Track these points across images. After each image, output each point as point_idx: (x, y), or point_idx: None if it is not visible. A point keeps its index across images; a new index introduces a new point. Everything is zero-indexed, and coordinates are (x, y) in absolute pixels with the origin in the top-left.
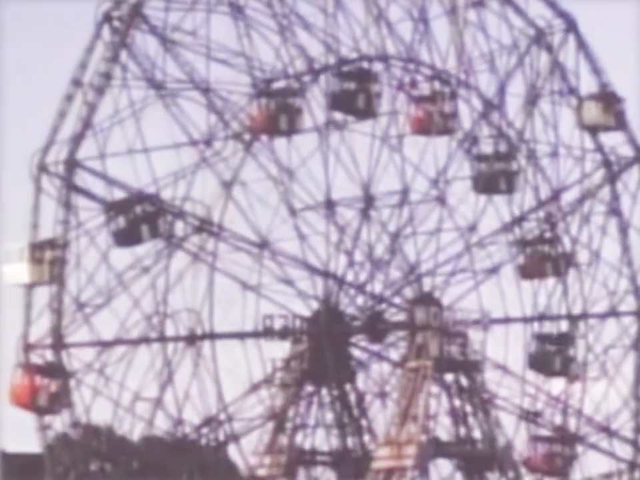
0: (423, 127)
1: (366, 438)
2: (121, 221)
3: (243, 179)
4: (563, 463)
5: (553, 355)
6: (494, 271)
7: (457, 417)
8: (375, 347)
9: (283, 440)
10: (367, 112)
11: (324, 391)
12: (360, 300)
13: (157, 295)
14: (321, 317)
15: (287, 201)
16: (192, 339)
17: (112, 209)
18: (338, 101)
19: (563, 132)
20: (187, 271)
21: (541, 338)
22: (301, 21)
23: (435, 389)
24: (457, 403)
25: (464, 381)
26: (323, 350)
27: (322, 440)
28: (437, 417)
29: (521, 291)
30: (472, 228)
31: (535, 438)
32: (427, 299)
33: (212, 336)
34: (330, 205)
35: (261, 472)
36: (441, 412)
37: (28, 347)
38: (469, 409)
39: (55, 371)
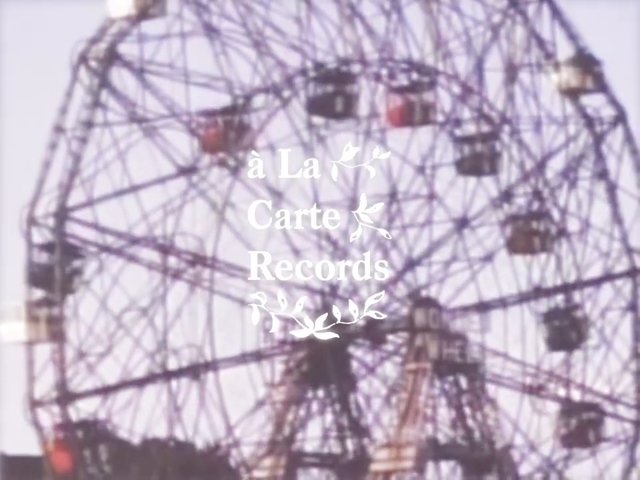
0: (403, 118)
1: (365, 440)
2: None
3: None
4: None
5: (566, 329)
6: (489, 258)
7: (456, 418)
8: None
9: (282, 442)
10: (346, 114)
11: (323, 394)
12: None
13: (157, 334)
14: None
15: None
16: (196, 373)
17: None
18: (316, 105)
19: (544, 100)
20: (185, 304)
21: (548, 316)
22: (275, 32)
23: (434, 390)
24: (456, 404)
25: (463, 383)
26: (323, 354)
27: (321, 442)
28: (435, 419)
29: (515, 269)
30: (463, 221)
31: None
32: (426, 301)
33: (215, 367)
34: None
35: (261, 474)
36: (439, 414)
37: (34, 404)
38: (467, 410)
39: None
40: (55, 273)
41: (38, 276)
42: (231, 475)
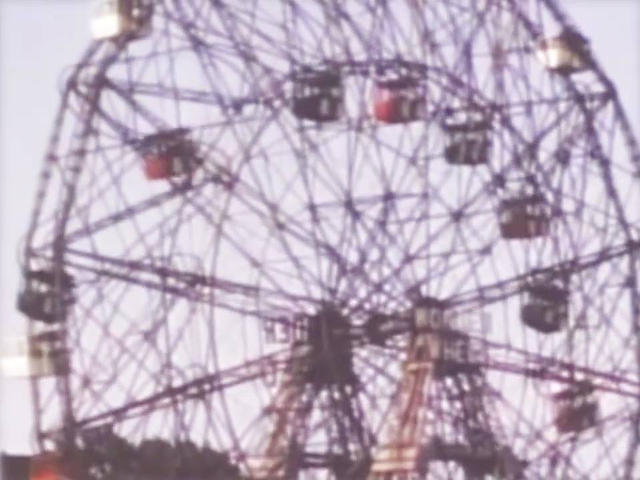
0: (391, 113)
1: (366, 440)
2: None
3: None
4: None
5: (544, 309)
6: (487, 250)
7: (458, 419)
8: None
9: (284, 442)
10: (331, 117)
11: (325, 394)
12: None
13: (160, 356)
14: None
15: (304, 176)
16: (201, 391)
17: None
18: (302, 108)
19: (534, 82)
20: (187, 325)
21: (534, 291)
22: (262, 39)
23: (435, 391)
24: (458, 405)
25: (465, 383)
26: (324, 353)
27: (323, 443)
28: (437, 419)
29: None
30: (459, 214)
31: None
32: (427, 301)
33: (220, 385)
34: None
35: (262, 474)
36: (441, 414)
37: (42, 436)
38: (469, 411)
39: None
40: (46, 302)
41: (29, 303)
42: (231, 475)
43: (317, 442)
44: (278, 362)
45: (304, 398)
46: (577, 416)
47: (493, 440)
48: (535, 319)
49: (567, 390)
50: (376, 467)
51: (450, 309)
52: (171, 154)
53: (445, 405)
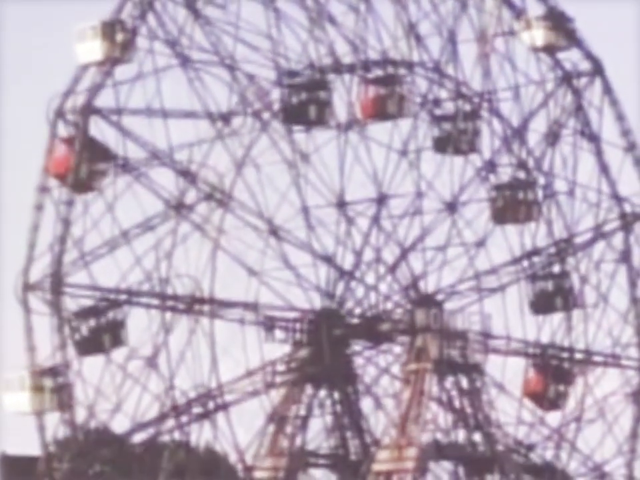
0: (376, 109)
1: (366, 440)
2: (84, 330)
3: (257, 161)
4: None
5: (552, 294)
6: (482, 243)
7: (458, 419)
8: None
9: (284, 442)
10: (319, 122)
11: (324, 394)
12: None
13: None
14: (321, 319)
15: (297, 186)
16: (206, 412)
17: (77, 317)
18: (290, 115)
19: (520, 64)
20: (188, 345)
21: (535, 278)
22: (248, 49)
23: (435, 391)
24: (457, 405)
25: (464, 383)
26: (323, 353)
27: (322, 442)
28: (437, 419)
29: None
30: (453, 208)
31: None
32: (427, 301)
33: (225, 405)
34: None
35: (261, 474)
36: (441, 414)
37: (49, 465)
38: (469, 411)
39: None
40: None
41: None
42: (230, 476)
43: (318, 442)
44: (278, 365)
45: (304, 398)
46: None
47: (493, 440)
48: (545, 307)
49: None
50: (376, 467)
51: (446, 296)
52: (101, 331)
53: (444, 404)
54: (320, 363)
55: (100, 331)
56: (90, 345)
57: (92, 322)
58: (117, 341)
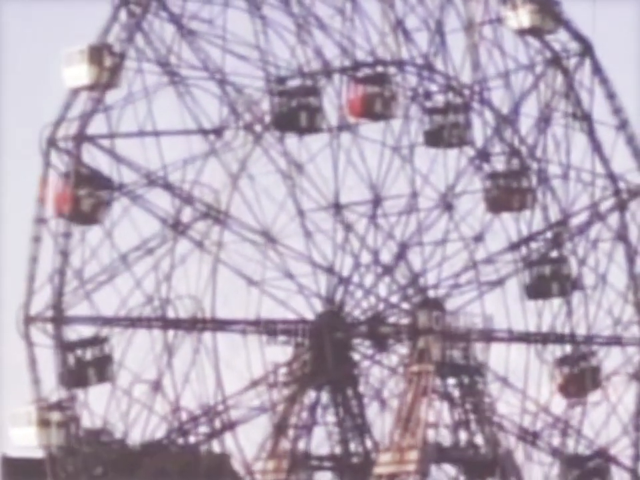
0: (364, 108)
1: (368, 443)
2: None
3: (251, 172)
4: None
5: (549, 279)
6: (479, 238)
7: (459, 421)
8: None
9: (285, 445)
10: (311, 128)
11: (326, 396)
12: (363, 303)
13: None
14: (322, 321)
15: (293, 196)
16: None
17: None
18: (281, 122)
19: (508, 49)
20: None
21: (532, 263)
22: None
23: (436, 393)
24: (459, 407)
25: (466, 385)
26: (325, 355)
27: (324, 445)
28: (439, 421)
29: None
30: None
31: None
32: (429, 303)
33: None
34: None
35: (264, 477)
36: (442, 416)
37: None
38: (471, 413)
39: None
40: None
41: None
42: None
43: (319, 443)
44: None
45: (305, 400)
46: (580, 380)
47: (495, 442)
48: (541, 292)
49: (568, 355)
50: (378, 470)
51: (447, 290)
52: (86, 365)
53: (446, 407)
54: (322, 365)
55: (85, 365)
56: (74, 379)
57: (78, 354)
58: (103, 377)
